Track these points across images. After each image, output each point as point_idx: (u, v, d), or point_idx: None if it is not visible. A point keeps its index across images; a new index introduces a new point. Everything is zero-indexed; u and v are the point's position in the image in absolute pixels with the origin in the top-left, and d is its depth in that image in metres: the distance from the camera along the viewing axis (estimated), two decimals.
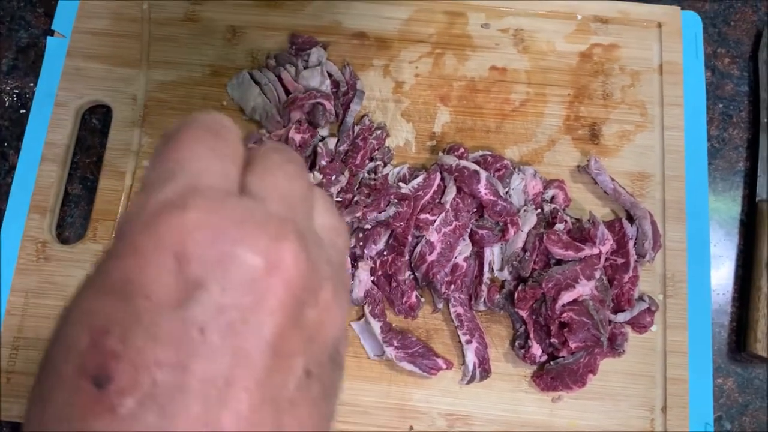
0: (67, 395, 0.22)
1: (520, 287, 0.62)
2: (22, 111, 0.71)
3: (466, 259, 0.63)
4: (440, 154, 0.67)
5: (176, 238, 0.23)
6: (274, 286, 0.23)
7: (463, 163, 0.64)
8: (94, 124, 0.71)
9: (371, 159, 0.67)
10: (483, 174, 0.63)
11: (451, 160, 0.65)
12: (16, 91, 0.72)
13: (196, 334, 0.22)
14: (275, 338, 0.23)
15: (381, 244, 0.64)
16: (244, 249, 0.23)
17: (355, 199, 0.63)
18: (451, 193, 0.64)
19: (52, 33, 0.71)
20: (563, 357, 0.61)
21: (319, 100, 0.66)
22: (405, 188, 0.64)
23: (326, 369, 0.25)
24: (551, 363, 0.61)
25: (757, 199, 0.69)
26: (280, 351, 0.23)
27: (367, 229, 0.63)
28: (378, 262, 0.64)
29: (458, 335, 0.62)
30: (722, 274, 0.68)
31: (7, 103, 0.72)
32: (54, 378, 0.22)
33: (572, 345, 0.59)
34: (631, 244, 0.63)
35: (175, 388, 0.21)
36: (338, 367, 0.27)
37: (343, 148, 0.67)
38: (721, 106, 0.73)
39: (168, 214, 0.23)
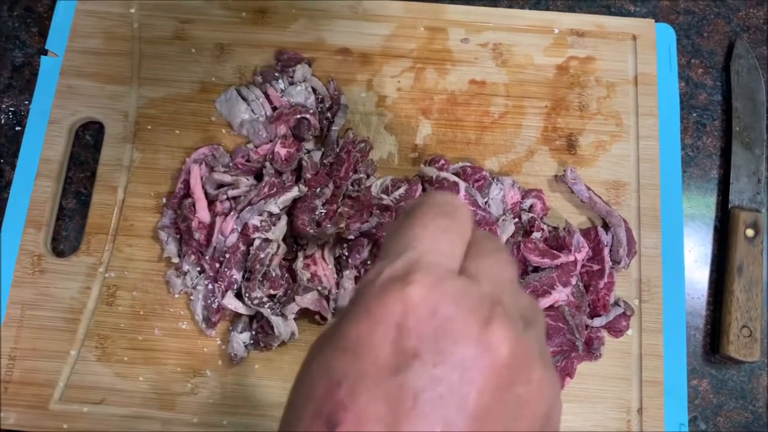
0: (306, 427, 0.26)
1: None
2: (17, 128, 0.74)
3: None
4: (421, 165, 0.69)
5: (400, 310, 0.26)
6: (482, 366, 0.26)
7: (443, 174, 0.66)
8: (87, 140, 0.73)
9: (355, 171, 0.69)
10: (462, 185, 0.66)
11: (431, 172, 0.67)
12: (12, 109, 0.74)
13: (410, 399, 0.25)
14: (480, 413, 0.25)
15: (365, 254, 0.66)
16: (459, 327, 0.26)
17: (339, 210, 0.66)
18: None
19: (45, 52, 0.74)
20: None
21: (304, 114, 0.69)
22: (387, 199, 0.66)
23: None
24: None
25: (730, 205, 0.71)
26: (485, 424, 0.25)
27: (351, 240, 0.65)
28: (362, 270, 0.66)
29: None
30: (697, 279, 0.70)
31: (2, 121, 0.74)
32: (296, 416, 0.27)
33: (549, 349, 0.61)
34: (606, 251, 0.65)
35: None
36: None
37: (327, 161, 0.69)
38: (695, 115, 0.75)
39: (394, 287, 0.26)
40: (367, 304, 0.27)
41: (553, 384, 0.29)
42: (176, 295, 0.66)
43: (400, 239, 0.29)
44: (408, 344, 0.25)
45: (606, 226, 0.68)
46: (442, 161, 0.69)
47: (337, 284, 0.65)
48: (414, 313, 0.26)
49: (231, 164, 0.68)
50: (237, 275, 0.64)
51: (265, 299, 0.63)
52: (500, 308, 0.27)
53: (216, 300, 0.64)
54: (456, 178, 0.66)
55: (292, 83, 0.71)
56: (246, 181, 0.67)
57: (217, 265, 0.64)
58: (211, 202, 0.66)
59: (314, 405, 0.26)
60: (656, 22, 0.75)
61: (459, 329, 0.26)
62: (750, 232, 0.68)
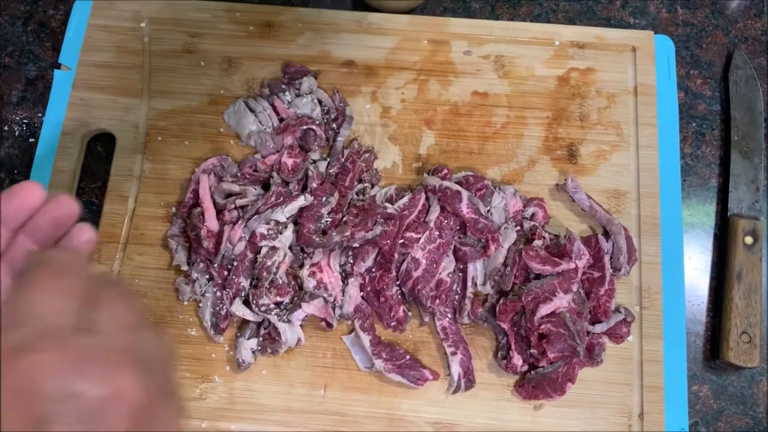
0: None
1: (501, 301, 0.65)
2: (31, 140, 0.75)
3: (450, 275, 0.67)
4: (425, 175, 0.70)
5: (27, 377, 0.26)
6: (114, 413, 0.27)
7: (446, 183, 0.68)
8: (98, 152, 0.75)
9: (360, 181, 0.70)
10: (465, 194, 0.67)
11: (434, 181, 0.68)
12: (26, 121, 0.76)
13: None
14: None
15: (369, 262, 0.67)
16: (84, 383, 0.26)
17: (344, 219, 0.67)
18: (435, 212, 0.68)
19: (58, 66, 0.76)
20: (543, 367, 0.64)
21: (310, 125, 0.70)
22: (391, 208, 0.67)
23: None
24: (532, 372, 0.64)
25: (729, 213, 0.72)
26: None
27: (356, 248, 0.67)
28: (367, 278, 0.67)
29: (444, 347, 0.66)
30: (697, 286, 0.71)
31: (16, 133, 0.76)
32: None
33: (551, 355, 0.62)
34: (606, 258, 0.66)
35: None
36: None
37: (333, 170, 0.70)
38: (694, 125, 0.76)
39: (19, 358, 0.26)
40: None
41: (175, 419, 0.30)
42: (185, 302, 0.67)
43: (18, 309, 0.29)
44: (41, 410, 0.26)
45: (606, 234, 0.69)
46: (445, 171, 0.70)
47: (343, 291, 0.66)
48: (42, 377, 0.26)
49: (239, 174, 0.70)
50: (245, 282, 0.66)
51: (272, 306, 0.64)
52: (126, 355, 0.28)
53: (224, 307, 0.65)
54: (459, 187, 0.67)
55: (298, 95, 0.73)
56: (253, 191, 0.68)
57: (226, 272, 0.66)
58: (219, 211, 0.67)
59: None
60: (655, 33, 0.77)
61: (86, 385, 0.27)
62: (749, 240, 0.69)
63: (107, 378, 0.27)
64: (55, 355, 0.27)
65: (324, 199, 0.67)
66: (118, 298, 0.32)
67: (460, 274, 0.68)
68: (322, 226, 0.67)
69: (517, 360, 0.64)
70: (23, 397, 0.26)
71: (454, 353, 0.65)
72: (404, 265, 0.67)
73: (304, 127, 0.70)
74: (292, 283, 0.66)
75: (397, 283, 0.67)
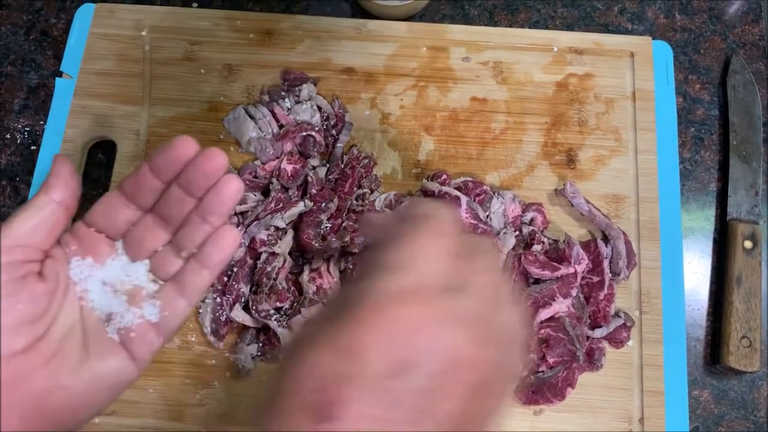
0: (290, 420, 0.28)
1: None
2: (32, 147, 0.76)
3: None
4: (424, 180, 0.71)
5: (399, 325, 0.28)
6: (460, 378, 0.29)
7: (445, 188, 0.68)
8: (99, 159, 0.75)
9: (359, 186, 0.71)
10: (464, 199, 0.67)
11: (433, 186, 0.69)
12: (27, 129, 0.77)
13: (395, 403, 0.27)
14: (452, 421, 0.28)
15: None
16: (447, 345, 0.29)
17: (344, 224, 0.67)
18: None
19: (60, 74, 0.76)
20: (542, 371, 0.64)
21: (310, 132, 0.71)
22: None
23: None
24: (532, 377, 0.64)
25: (728, 218, 0.72)
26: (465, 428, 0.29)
27: (356, 253, 0.67)
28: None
29: None
30: (696, 290, 0.71)
31: (18, 141, 0.76)
32: (280, 409, 0.29)
33: (550, 360, 0.62)
34: (605, 263, 0.67)
35: None
36: None
37: (332, 176, 0.71)
38: (692, 129, 0.77)
39: (391, 302, 0.29)
40: (362, 314, 0.29)
41: (504, 397, 0.33)
42: None
43: (398, 254, 0.31)
44: (404, 356, 0.28)
45: (606, 239, 0.69)
46: (445, 176, 0.70)
47: None
48: (412, 329, 0.28)
49: None
50: (244, 288, 0.66)
51: (272, 312, 0.64)
52: (483, 327, 0.30)
53: (224, 313, 0.65)
54: (458, 193, 0.68)
55: (298, 102, 0.73)
56: (253, 197, 0.69)
57: (225, 278, 0.66)
58: None
59: (302, 399, 0.28)
60: (653, 39, 0.77)
61: (445, 346, 0.28)
62: (748, 244, 0.69)
63: (463, 344, 0.29)
64: (427, 310, 0.29)
65: (323, 204, 0.68)
66: (487, 265, 0.34)
67: None
68: (322, 232, 0.67)
69: None
70: (390, 341, 0.28)
71: None
72: None
73: (304, 134, 0.71)
74: (292, 288, 0.66)
75: None
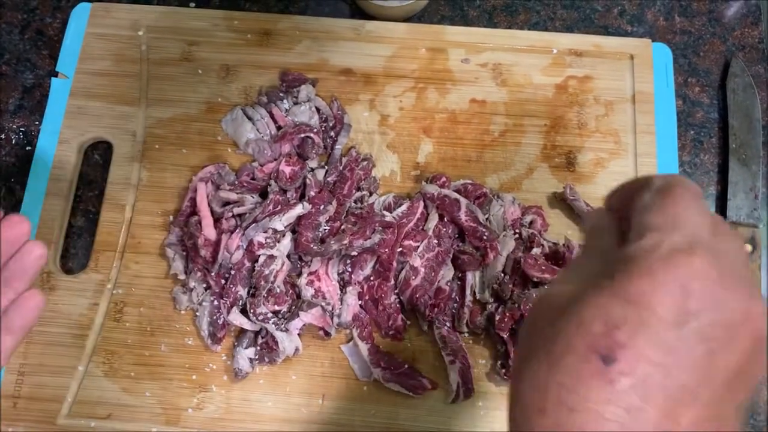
0: (575, 361, 0.29)
1: (500, 309, 0.65)
2: (28, 148, 0.75)
3: (448, 283, 0.67)
4: (423, 183, 0.70)
5: (684, 276, 0.29)
6: (744, 332, 0.30)
7: (445, 191, 0.68)
8: (95, 160, 0.75)
9: (358, 189, 0.70)
10: (463, 202, 0.67)
11: (433, 189, 0.68)
12: (23, 129, 0.76)
13: (684, 351, 0.29)
14: (733, 373, 0.30)
15: (367, 270, 0.67)
16: (730, 298, 0.30)
17: (343, 227, 0.67)
18: (434, 220, 0.67)
19: (56, 74, 0.76)
20: None
21: (308, 133, 0.70)
22: (389, 216, 0.67)
23: (744, 408, 0.32)
24: None
25: (727, 221, 0.72)
26: (733, 385, 0.30)
27: (354, 256, 0.66)
28: (365, 287, 0.67)
29: (443, 356, 0.65)
30: None
31: (13, 141, 0.76)
32: (565, 346, 0.30)
33: None
34: None
35: (659, 386, 0.28)
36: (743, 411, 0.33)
37: (331, 178, 0.70)
38: (692, 132, 0.76)
39: (680, 255, 0.30)
40: (651, 266, 0.30)
41: None
42: (182, 312, 0.67)
43: (667, 216, 0.33)
44: (690, 305, 0.29)
45: None
46: (444, 179, 0.70)
47: (341, 300, 0.66)
48: (697, 279, 0.29)
49: (236, 182, 0.69)
50: (242, 291, 0.65)
51: (269, 315, 0.64)
52: (756, 288, 0.31)
53: (221, 316, 0.65)
54: (457, 195, 0.67)
55: (296, 103, 0.73)
56: (251, 199, 0.68)
57: (223, 281, 0.66)
58: (217, 219, 0.67)
59: (590, 340, 0.29)
60: (653, 41, 0.77)
61: (731, 300, 0.30)
62: (748, 248, 0.69)
63: (745, 299, 0.30)
64: (707, 261, 0.30)
65: (322, 207, 0.67)
66: (732, 235, 0.35)
67: (459, 282, 0.67)
68: (320, 235, 0.67)
69: None
70: (681, 289, 0.29)
71: (452, 362, 0.65)
72: (402, 274, 0.66)
73: (302, 135, 0.70)
74: (290, 291, 0.66)
75: (396, 291, 0.67)
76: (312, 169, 0.71)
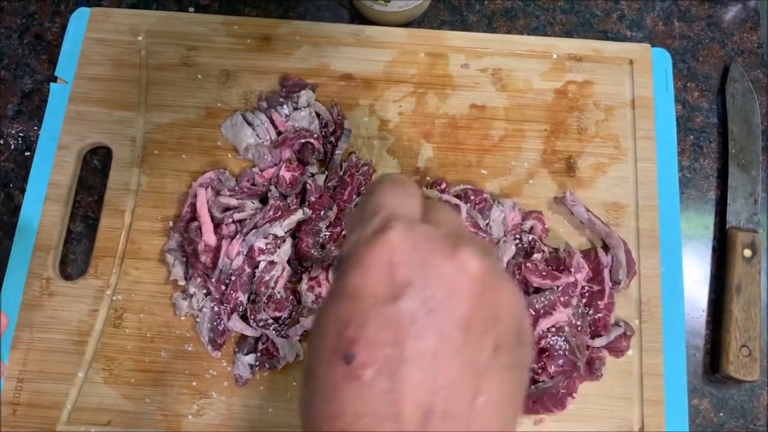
0: (326, 369, 0.30)
1: None
2: (26, 153, 0.75)
3: None
4: (423, 188, 0.70)
5: (386, 251, 0.31)
6: (461, 281, 0.31)
7: (445, 196, 0.68)
8: (95, 165, 0.74)
9: (358, 194, 0.70)
10: (464, 207, 0.67)
11: (433, 194, 0.68)
12: (21, 134, 0.76)
13: (408, 320, 0.30)
14: (466, 320, 0.30)
15: None
16: (436, 255, 0.31)
17: (343, 232, 0.67)
18: None
19: (55, 79, 0.75)
20: (543, 381, 0.64)
21: (308, 139, 0.70)
22: None
23: (512, 344, 0.32)
24: (532, 387, 0.64)
25: (727, 226, 0.72)
26: (471, 330, 0.30)
27: None
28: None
29: None
30: (696, 299, 0.71)
31: (12, 146, 0.75)
32: (317, 358, 0.31)
33: (551, 370, 0.62)
34: (606, 272, 0.66)
35: (399, 361, 0.29)
36: (523, 344, 0.33)
37: (331, 184, 0.70)
38: (691, 137, 0.77)
39: (377, 236, 0.32)
40: (358, 256, 0.32)
41: (519, 296, 0.34)
42: (182, 318, 0.67)
43: (367, 208, 0.35)
44: (399, 276, 0.30)
45: (606, 248, 0.69)
46: (444, 184, 0.70)
47: None
48: (399, 250, 0.31)
49: (236, 188, 0.69)
50: (242, 297, 0.65)
51: (270, 321, 0.64)
52: (463, 239, 0.32)
53: (222, 322, 0.65)
54: (457, 201, 0.67)
55: (296, 108, 0.73)
56: (251, 205, 0.68)
57: (223, 287, 0.65)
58: (217, 225, 0.67)
59: (330, 345, 0.31)
60: (652, 46, 0.77)
61: (436, 257, 0.31)
62: (747, 253, 0.69)
63: (453, 252, 0.31)
64: (409, 233, 0.32)
65: (322, 212, 0.67)
66: (448, 209, 0.36)
67: None
68: (321, 240, 0.67)
69: None
70: (388, 265, 0.31)
71: None
72: None
73: (302, 141, 0.70)
74: (291, 297, 0.66)
75: None
76: (312, 175, 0.71)
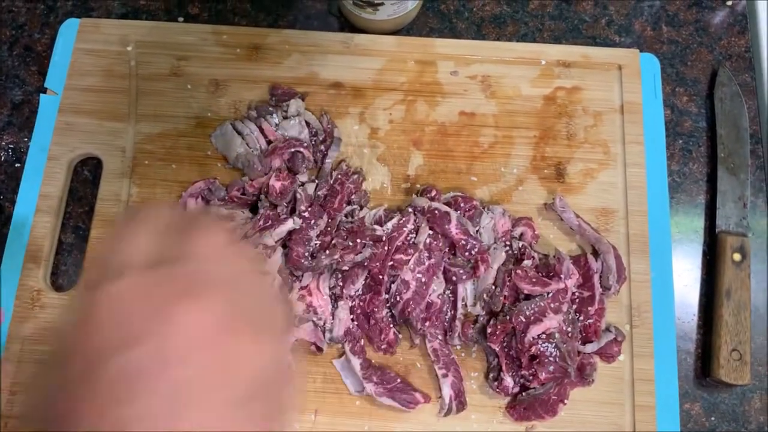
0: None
1: (491, 322, 0.65)
2: (17, 165, 0.75)
3: (440, 296, 0.67)
4: (414, 196, 0.70)
5: (115, 303, 0.31)
6: (176, 344, 0.30)
7: (435, 204, 0.68)
8: (85, 176, 0.74)
9: (349, 203, 0.70)
10: (453, 214, 0.67)
11: (423, 202, 0.68)
12: (11, 146, 0.76)
13: (136, 375, 0.29)
14: (201, 374, 0.29)
15: (359, 284, 0.67)
16: (169, 304, 0.30)
17: (334, 241, 0.67)
18: (424, 233, 0.67)
19: (45, 90, 0.75)
20: (534, 388, 0.64)
21: (298, 148, 0.70)
22: (380, 230, 0.67)
23: (260, 392, 0.31)
24: (523, 394, 0.64)
25: (717, 230, 0.72)
26: (208, 384, 0.30)
27: (346, 271, 0.66)
28: (357, 301, 0.67)
29: (435, 369, 0.65)
30: (686, 303, 0.71)
31: (2, 158, 0.75)
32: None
33: (541, 376, 0.62)
34: (596, 277, 0.66)
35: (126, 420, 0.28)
36: (268, 397, 0.32)
37: (321, 192, 0.70)
38: (680, 142, 0.77)
39: (106, 286, 0.31)
40: (88, 310, 0.32)
41: (261, 344, 0.32)
42: None
43: (107, 254, 0.34)
44: (128, 330, 0.30)
45: (596, 253, 0.69)
46: (434, 191, 0.70)
47: (332, 314, 0.66)
48: (125, 303, 0.31)
49: (227, 197, 0.69)
50: None
51: None
52: (201, 281, 0.32)
53: None
54: (447, 208, 0.67)
55: (286, 117, 0.73)
56: (242, 214, 0.68)
57: None
58: None
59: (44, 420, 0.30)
60: (641, 51, 0.77)
61: (169, 306, 0.30)
62: (737, 257, 0.70)
63: (180, 300, 0.30)
64: (138, 282, 0.31)
65: (313, 221, 0.67)
66: (210, 229, 0.36)
67: (450, 295, 0.67)
68: (311, 249, 0.67)
69: (509, 381, 0.64)
70: (113, 318, 0.30)
71: (445, 375, 0.65)
72: (394, 287, 0.66)
73: (292, 150, 0.70)
74: None
75: (387, 305, 0.67)
76: (302, 184, 0.71)
